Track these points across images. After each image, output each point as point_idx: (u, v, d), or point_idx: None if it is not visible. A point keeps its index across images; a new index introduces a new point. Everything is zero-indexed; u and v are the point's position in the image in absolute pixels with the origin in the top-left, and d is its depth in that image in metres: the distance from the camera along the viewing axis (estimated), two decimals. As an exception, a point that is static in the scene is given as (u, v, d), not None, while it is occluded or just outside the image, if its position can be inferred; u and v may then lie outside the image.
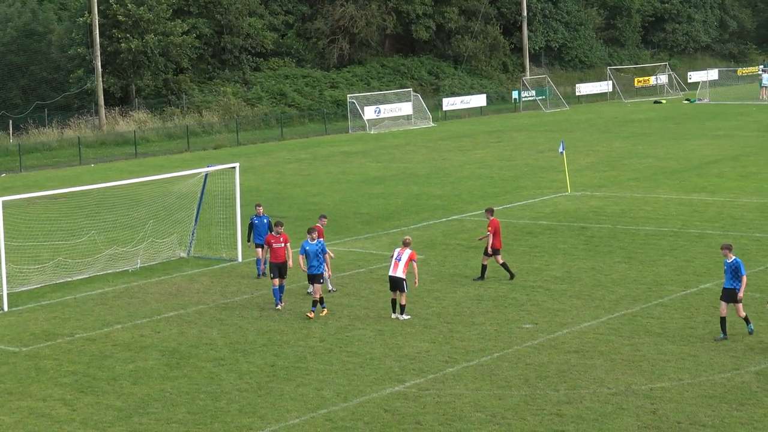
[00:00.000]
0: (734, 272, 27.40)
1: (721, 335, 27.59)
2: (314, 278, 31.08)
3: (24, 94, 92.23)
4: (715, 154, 65.15)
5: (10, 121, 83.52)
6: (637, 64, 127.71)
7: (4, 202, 33.88)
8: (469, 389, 24.50)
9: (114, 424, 23.03)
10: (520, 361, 26.38)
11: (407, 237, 31.62)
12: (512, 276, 34.83)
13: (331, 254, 32.92)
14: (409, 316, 30.58)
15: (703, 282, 33.69)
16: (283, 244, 32.26)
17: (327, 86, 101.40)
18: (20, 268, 37.10)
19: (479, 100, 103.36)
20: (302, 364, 26.70)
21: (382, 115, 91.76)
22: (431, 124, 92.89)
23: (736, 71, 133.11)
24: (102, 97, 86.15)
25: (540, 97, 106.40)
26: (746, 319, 27.87)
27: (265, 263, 35.28)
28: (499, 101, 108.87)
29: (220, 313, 31.92)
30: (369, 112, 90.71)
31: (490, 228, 34.77)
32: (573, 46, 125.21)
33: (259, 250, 35.80)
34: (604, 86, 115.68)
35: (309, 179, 60.75)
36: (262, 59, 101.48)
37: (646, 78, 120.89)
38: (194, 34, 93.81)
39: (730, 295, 27.50)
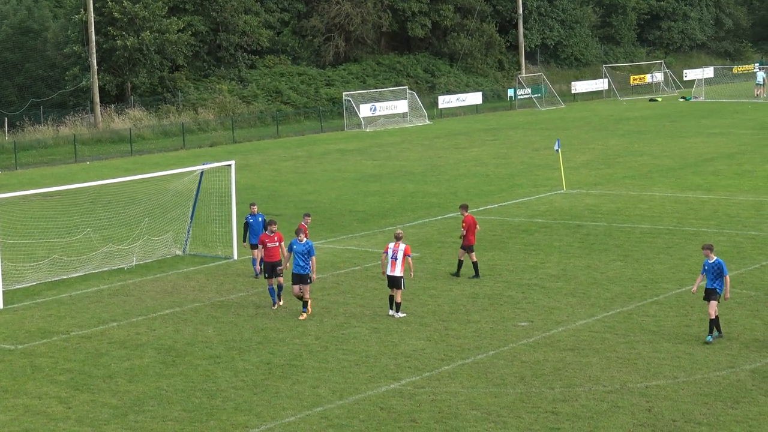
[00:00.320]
0: (716, 273, 27.27)
1: (717, 334, 27.54)
2: (301, 278, 30.81)
3: (19, 92, 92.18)
4: (710, 152, 65.20)
5: (6, 119, 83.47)
6: (633, 62, 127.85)
7: (-1, 200, 33.88)
8: (464, 387, 24.51)
9: (109, 421, 23.02)
10: (516, 359, 26.40)
11: (399, 230, 31.62)
12: (477, 276, 34.94)
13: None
14: (405, 314, 30.59)
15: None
16: (277, 243, 32.16)
17: (323, 84, 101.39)
18: (16, 265, 37.08)
19: (475, 98, 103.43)
20: (298, 362, 26.71)
21: (377, 113, 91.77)
22: (427, 122, 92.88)
23: (731, 69, 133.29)
24: (97, 94, 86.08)
25: (536, 95, 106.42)
26: (712, 324, 27.26)
27: (261, 262, 35.15)
28: (494, 99, 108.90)
29: (216, 311, 31.91)
30: (365, 110, 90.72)
31: (464, 224, 34.97)
32: (569, 44, 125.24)
33: (255, 250, 35.49)
34: (600, 84, 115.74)
35: (305, 177, 60.75)
36: (257, 57, 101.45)
37: (642, 76, 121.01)
38: (190, 32, 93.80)
39: (711, 295, 27.31)
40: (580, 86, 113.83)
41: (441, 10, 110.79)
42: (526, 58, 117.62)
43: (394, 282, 30.52)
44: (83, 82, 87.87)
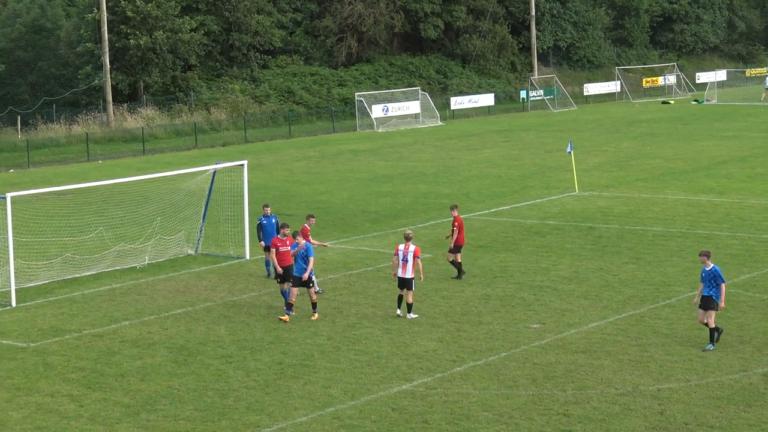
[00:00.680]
0: (713, 280, 27.02)
1: (710, 345, 27.08)
2: (303, 282, 30.63)
3: (32, 90, 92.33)
4: (723, 155, 65.09)
5: (19, 117, 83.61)
6: (646, 65, 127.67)
7: (12, 198, 33.92)
8: (476, 388, 24.50)
9: (121, 420, 23.06)
10: (528, 361, 26.38)
11: (408, 231, 31.56)
12: (459, 276, 34.95)
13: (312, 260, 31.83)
14: (417, 315, 30.59)
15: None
16: (289, 248, 31.95)
17: (335, 84, 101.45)
18: (28, 263, 37.17)
19: (487, 100, 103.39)
20: (310, 362, 26.71)
21: (390, 114, 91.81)
22: (439, 123, 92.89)
23: (744, 72, 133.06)
24: (110, 93, 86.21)
25: (548, 97, 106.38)
26: (713, 333, 27.03)
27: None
28: (507, 100, 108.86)
29: (228, 311, 31.94)
30: (377, 111, 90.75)
31: (456, 224, 35.25)
32: (581, 45, 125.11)
33: (268, 252, 35.22)
34: (612, 86, 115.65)
35: (317, 177, 60.78)
36: (270, 57, 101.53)
37: (655, 78, 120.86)
38: (202, 31, 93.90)
39: (707, 303, 26.99)
40: (592, 88, 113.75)
41: (454, 11, 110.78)
42: (538, 60, 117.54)
43: (405, 283, 30.51)
44: (96, 81, 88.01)
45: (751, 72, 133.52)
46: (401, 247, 30.69)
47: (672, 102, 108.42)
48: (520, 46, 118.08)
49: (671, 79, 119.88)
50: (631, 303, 31.64)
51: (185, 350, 28.03)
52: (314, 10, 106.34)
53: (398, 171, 62.26)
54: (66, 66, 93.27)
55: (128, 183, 43.82)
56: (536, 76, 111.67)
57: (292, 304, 30.69)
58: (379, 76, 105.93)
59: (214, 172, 41.08)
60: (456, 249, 35.20)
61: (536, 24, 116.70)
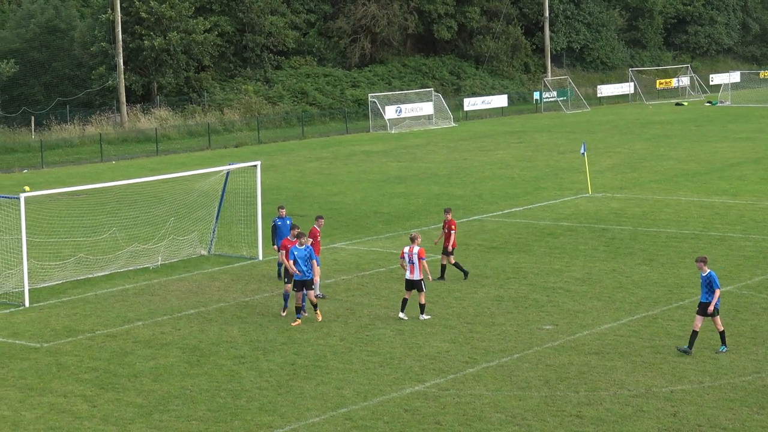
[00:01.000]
0: (708, 285, 26.94)
1: (686, 347, 26.81)
2: (304, 284, 30.36)
3: (46, 91, 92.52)
4: (736, 156, 64.97)
5: (32, 118, 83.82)
6: (659, 66, 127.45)
7: (26, 198, 34.01)
8: (489, 390, 24.49)
9: (134, 420, 23.09)
10: (540, 362, 26.36)
11: (413, 232, 31.53)
12: (442, 277, 34.97)
13: (318, 264, 31.45)
14: (429, 316, 30.58)
15: (724, 285, 33.44)
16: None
17: (348, 85, 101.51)
18: (41, 264, 37.26)
19: (500, 101, 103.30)
20: (322, 363, 26.73)
21: (403, 115, 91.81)
22: (452, 124, 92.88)
23: (758, 74, 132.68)
24: (124, 94, 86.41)
25: (561, 98, 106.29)
26: (722, 336, 27.01)
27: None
28: (520, 102, 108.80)
29: (241, 311, 31.97)
30: (390, 112, 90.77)
31: (453, 227, 35.12)
32: (595, 47, 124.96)
33: (281, 253, 35.16)
34: (626, 88, 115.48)
35: (330, 178, 60.81)
36: (283, 58, 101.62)
37: (668, 80, 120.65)
38: (216, 32, 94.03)
39: (704, 309, 26.81)
40: (606, 89, 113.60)
41: (467, 12, 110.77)
42: (552, 61, 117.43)
43: (414, 285, 30.47)
44: (109, 82, 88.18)
45: (765, 74, 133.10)
46: (406, 249, 30.68)
47: (685, 104, 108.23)
48: (534, 47, 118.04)
49: (685, 80, 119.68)
50: (644, 304, 31.60)
51: (198, 351, 28.07)
52: (328, 11, 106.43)
53: (411, 172, 62.26)
54: (80, 66, 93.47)
55: (141, 183, 43.93)
56: (549, 78, 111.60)
57: (300, 308, 30.67)
58: (393, 77, 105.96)
59: (228, 173, 41.12)
60: (449, 251, 35.08)
61: (550, 25, 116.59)
